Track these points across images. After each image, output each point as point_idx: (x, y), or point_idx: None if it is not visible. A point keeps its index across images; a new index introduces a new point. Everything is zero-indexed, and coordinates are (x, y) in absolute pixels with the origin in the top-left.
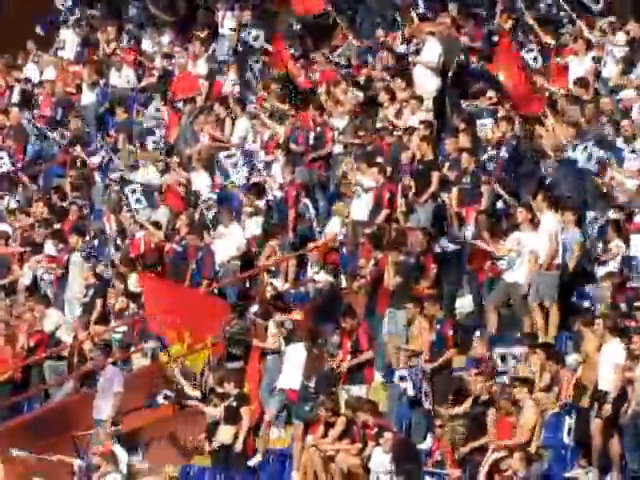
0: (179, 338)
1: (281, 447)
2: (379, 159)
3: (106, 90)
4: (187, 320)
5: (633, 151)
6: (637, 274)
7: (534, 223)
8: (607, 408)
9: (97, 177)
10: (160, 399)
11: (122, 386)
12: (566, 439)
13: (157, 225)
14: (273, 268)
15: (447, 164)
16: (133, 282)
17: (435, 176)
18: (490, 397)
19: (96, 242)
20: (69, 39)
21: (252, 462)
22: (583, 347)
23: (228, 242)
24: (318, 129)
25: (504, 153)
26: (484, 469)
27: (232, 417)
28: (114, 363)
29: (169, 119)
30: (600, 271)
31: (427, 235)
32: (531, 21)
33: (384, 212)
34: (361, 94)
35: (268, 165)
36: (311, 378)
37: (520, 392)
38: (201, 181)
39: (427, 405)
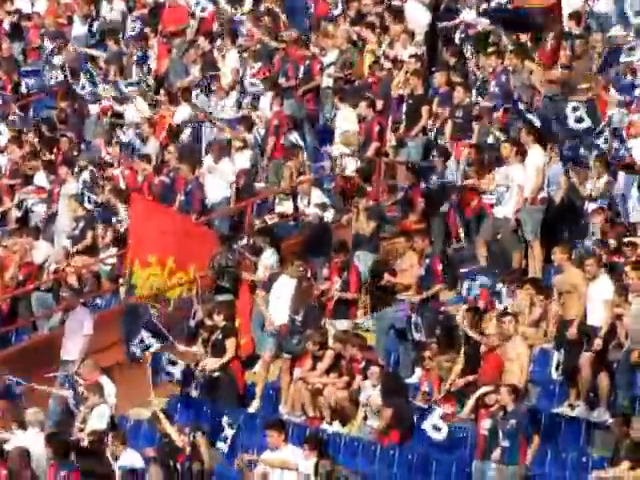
0: (161, 262)
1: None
2: (368, 93)
3: (97, 21)
4: (173, 245)
5: None
6: (625, 210)
7: (521, 157)
8: (598, 342)
9: (90, 108)
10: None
11: (92, 328)
12: (554, 374)
13: (147, 158)
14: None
15: (436, 99)
16: (122, 214)
17: (425, 110)
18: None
19: (87, 174)
20: None
21: (252, 408)
22: (567, 281)
23: (218, 179)
24: (307, 62)
25: (494, 88)
26: (470, 403)
27: (219, 350)
28: (84, 304)
29: (159, 51)
30: (589, 207)
31: (415, 170)
32: None
33: (374, 145)
34: (352, 28)
35: (256, 99)
36: (299, 311)
37: (509, 326)
38: (182, 114)
39: (418, 337)
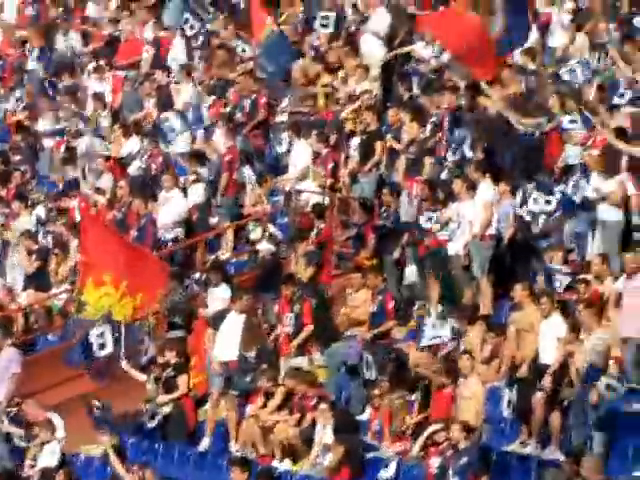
0: (114, 283)
1: (218, 417)
2: (321, 129)
3: (52, 55)
4: (126, 269)
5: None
6: (580, 247)
7: (472, 193)
8: (548, 380)
9: (44, 143)
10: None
11: (20, 367)
12: (505, 412)
13: (100, 191)
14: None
15: (389, 135)
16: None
17: (379, 146)
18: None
19: (41, 208)
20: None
21: (201, 447)
22: (525, 319)
23: (170, 207)
24: (252, 97)
25: (447, 124)
26: (420, 441)
27: (171, 387)
28: (14, 344)
29: (114, 85)
30: (543, 243)
31: (367, 206)
32: None
33: (328, 182)
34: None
35: (209, 133)
36: (251, 349)
37: (464, 364)
38: (130, 147)
39: (368, 375)
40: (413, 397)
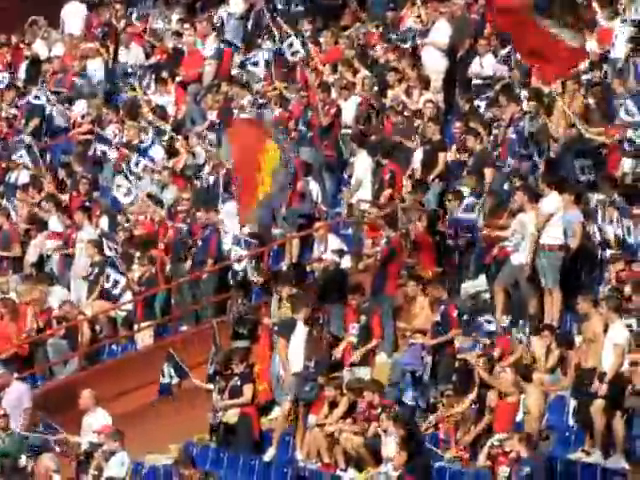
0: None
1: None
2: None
3: (115, 67)
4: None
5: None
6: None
7: (535, 204)
8: (603, 388)
9: (108, 154)
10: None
11: (31, 402)
12: (570, 421)
13: (160, 204)
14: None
15: (454, 147)
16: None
17: (442, 157)
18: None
19: (105, 220)
20: (74, 13)
21: (267, 457)
22: (590, 328)
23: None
24: (325, 108)
25: (512, 134)
26: (484, 450)
27: (236, 396)
28: (20, 378)
29: (177, 97)
30: (605, 253)
31: (429, 215)
32: None
33: (386, 192)
34: (369, 73)
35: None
36: (311, 359)
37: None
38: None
39: (426, 380)
40: (477, 406)
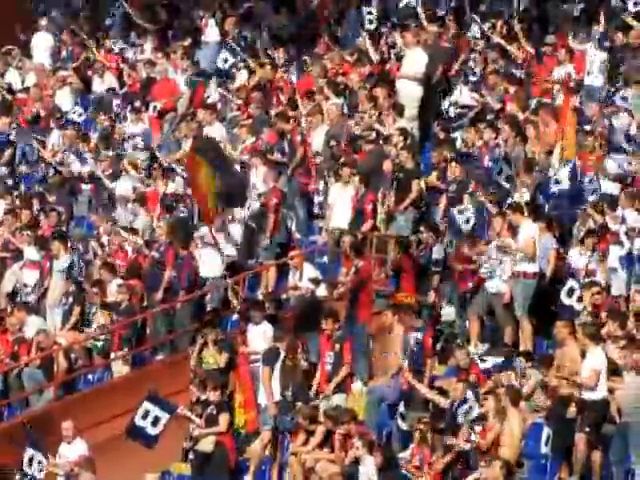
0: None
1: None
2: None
3: (88, 97)
4: None
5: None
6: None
7: (514, 231)
8: (591, 417)
9: (83, 185)
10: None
11: None
12: (543, 449)
13: (135, 232)
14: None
15: (434, 173)
16: (114, 289)
17: (415, 184)
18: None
19: (79, 249)
20: (42, 42)
21: None
22: (567, 355)
23: (213, 256)
24: (288, 135)
25: (487, 162)
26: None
27: (212, 425)
28: None
29: (151, 126)
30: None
31: (404, 243)
32: (518, 28)
33: (369, 222)
34: (341, 101)
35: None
36: (287, 388)
37: (505, 400)
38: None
39: (402, 425)
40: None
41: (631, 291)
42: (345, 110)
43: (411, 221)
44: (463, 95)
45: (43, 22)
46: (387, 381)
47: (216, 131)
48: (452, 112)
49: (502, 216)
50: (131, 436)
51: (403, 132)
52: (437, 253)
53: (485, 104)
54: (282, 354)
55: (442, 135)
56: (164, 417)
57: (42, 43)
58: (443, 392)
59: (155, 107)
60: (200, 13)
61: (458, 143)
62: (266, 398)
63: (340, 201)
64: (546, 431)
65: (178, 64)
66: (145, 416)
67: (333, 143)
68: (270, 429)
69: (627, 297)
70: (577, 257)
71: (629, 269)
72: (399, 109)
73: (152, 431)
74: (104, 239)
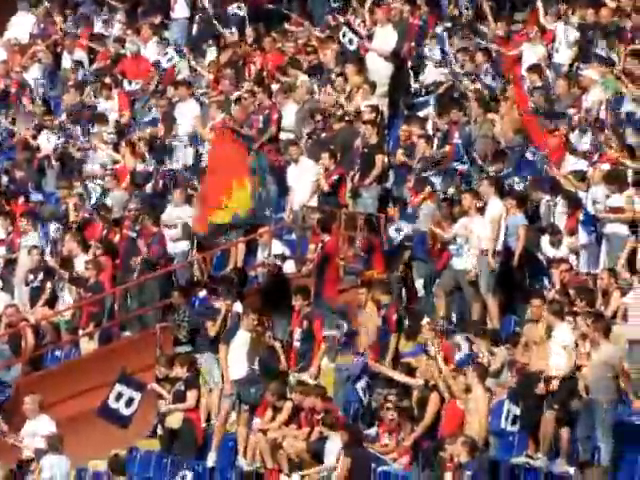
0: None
1: (228, 431)
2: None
3: (58, 72)
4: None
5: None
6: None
7: (481, 209)
8: (559, 394)
9: (53, 161)
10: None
11: None
12: (506, 425)
13: (108, 209)
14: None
15: (400, 150)
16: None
17: (379, 159)
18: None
19: (51, 226)
20: (23, 21)
21: (209, 462)
22: (534, 332)
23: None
24: (266, 112)
25: (457, 139)
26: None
27: (180, 401)
28: None
29: (121, 103)
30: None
31: (372, 220)
32: (486, 6)
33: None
34: (308, 79)
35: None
36: (254, 361)
37: (472, 377)
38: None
39: (365, 400)
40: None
41: (599, 269)
42: (315, 87)
43: (375, 198)
44: (430, 72)
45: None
46: (354, 359)
47: (190, 107)
48: (420, 89)
49: (471, 193)
50: (104, 416)
51: (374, 109)
52: (407, 228)
53: (454, 82)
54: (241, 331)
55: (410, 112)
56: (137, 397)
57: (23, 22)
58: (411, 369)
59: (125, 83)
60: None
61: (429, 122)
62: (223, 376)
63: (295, 179)
64: (507, 407)
65: (147, 39)
66: (118, 398)
67: (304, 121)
68: (229, 404)
69: (595, 275)
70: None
71: (597, 247)
72: (370, 86)
73: (126, 412)
74: (72, 216)
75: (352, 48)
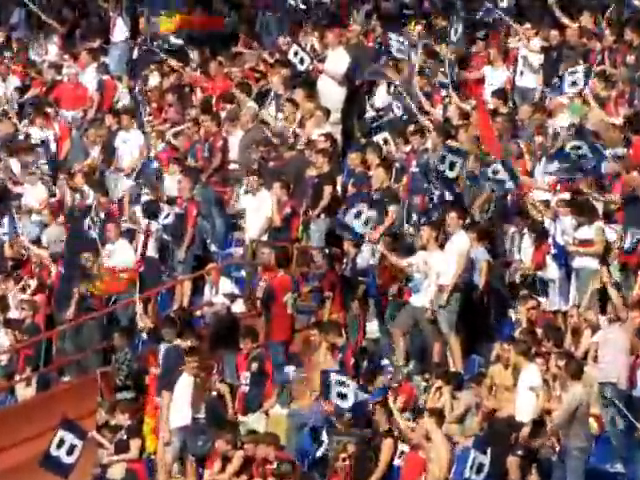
0: None
1: None
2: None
3: None
4: None
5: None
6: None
7: (440, 243)
8: (524, 443)
9: None
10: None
11: None
12: (474, 475)
13: (41, 244)
14: None
15: (351, 180)
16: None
17: (327, 190)
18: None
19: None
20: None
21: None
22: (500, 373)
23: (115, 259)
24: (211, 139)
25: (414, 168)
26: None
27: (123, 451)
28: None
29: (60, 132)
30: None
31: (327, 255)
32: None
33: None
34: (256, 106)
35: (159, 179)
36: (199, 409)
37: (430, 424)
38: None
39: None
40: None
41: (568, 306)
42: (271, 113)
43: (323, 231)
44: (381, 97)
45: None
46: (310, 404)
47: (133, 137)
48: (371, 115)
49: (430, 226)
50: (45, 466)
51: (328, 137)
52: (361, 261)
53: (408, 108)
54: (184, 375)
55: (363, 140)
56: (79, 444)
57: None
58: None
59: (62, 113)
60: (110, 14)
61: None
62: (161, 425)
63: (251, 211)
64: (473, 456)
65: (85, 66)
66: (60, 445)
67: (249, 149)
68: (173, 454)
69: (564, 313)
70: None
71: (566, 283)
72: (324, 113)
73: (67, 460)
74: (6, 252)
75: (302, 68)
